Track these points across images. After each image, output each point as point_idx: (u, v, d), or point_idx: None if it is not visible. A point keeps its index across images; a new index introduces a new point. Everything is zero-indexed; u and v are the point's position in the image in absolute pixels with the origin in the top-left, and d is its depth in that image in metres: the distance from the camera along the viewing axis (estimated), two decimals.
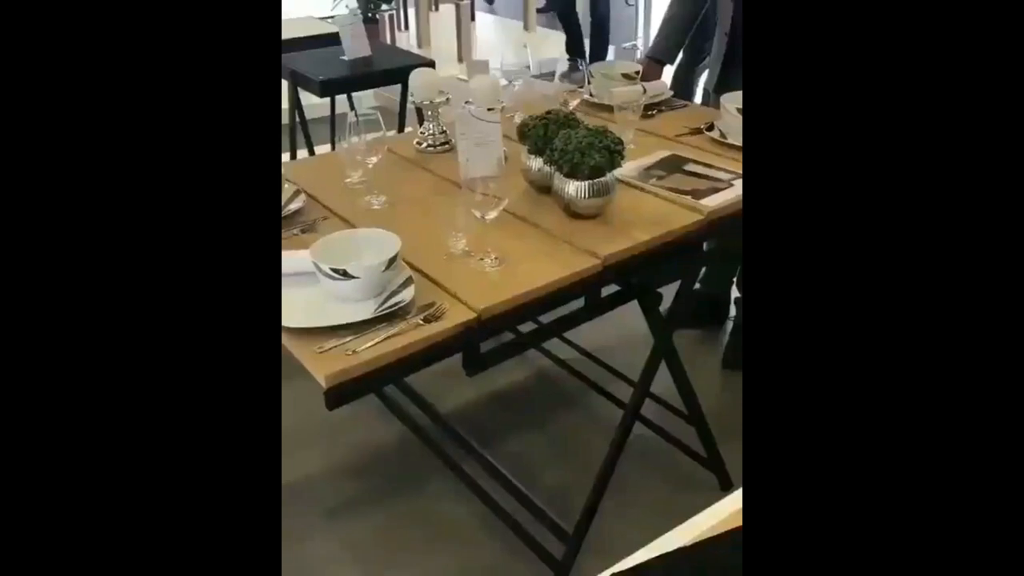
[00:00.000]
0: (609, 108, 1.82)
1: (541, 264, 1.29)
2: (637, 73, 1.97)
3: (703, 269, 2.31)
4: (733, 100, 1.72)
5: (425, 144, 1.76)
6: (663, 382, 1.64)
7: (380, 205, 1.53)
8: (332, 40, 2.74)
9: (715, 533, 0.79)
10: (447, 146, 1.75)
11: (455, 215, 1.35)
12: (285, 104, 2.56)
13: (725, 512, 0.85)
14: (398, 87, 2.67)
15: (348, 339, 1.12)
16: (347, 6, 4.03)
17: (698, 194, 1.45)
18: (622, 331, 1.55)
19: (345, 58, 2.60)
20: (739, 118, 1.69)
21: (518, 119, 1.86)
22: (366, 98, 3.94)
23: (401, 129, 2.89)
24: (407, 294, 1.20)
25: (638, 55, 4.46)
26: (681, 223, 1.40)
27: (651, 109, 1.90)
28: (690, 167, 1.59)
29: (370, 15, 3.86)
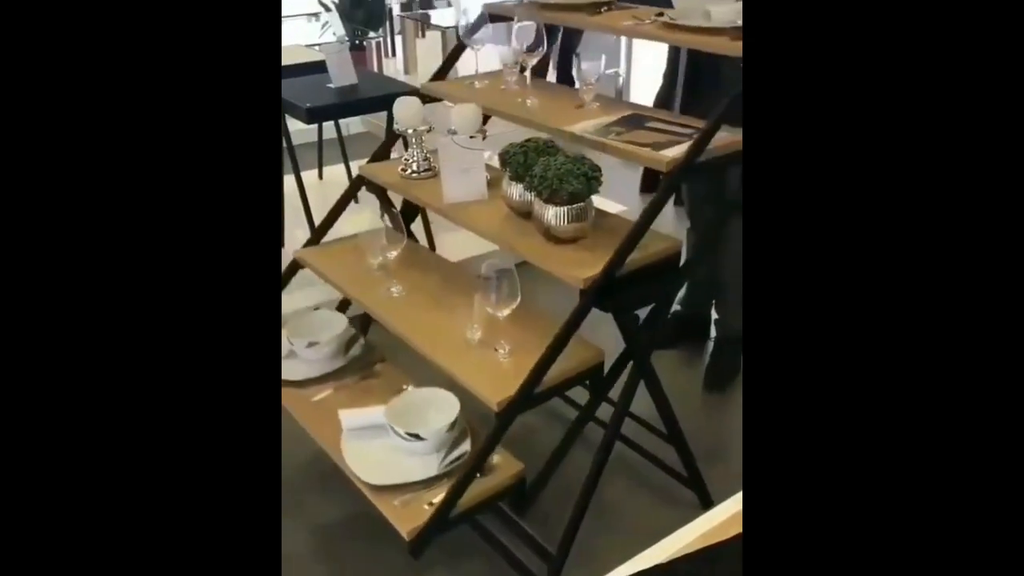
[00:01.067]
0: (561, 7, 1.79)
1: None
2: None
3: (683, 289, 2.36)
4: None
5: (409, 171, 1.80)
6: (646, 402, 1.68)
7: (399, 294, 1.65)
8: (319, 68, 2.78)
9: (693, 550, 0.82)
10: (430, 172, 1.78)
11: (470, 307, 1.47)
12: None
13: (703, 529, 0.87)
14: (384, 113, 2.70)
15: (420, 492, 1.38)
16: (334, 33, 4.09)
17: (658, 146, 1.43)
18: (610, 355, 1.58)
19: (331, 86, 2.64)
20: None
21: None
22: (353, 124, 3.98)
23: (387, 155, 2.93)
24: (466, 446, 1.43)
25: (620, 82, 4.53)
26: (658, 247, 1.45)
27: (601, 7, 1.82)
28: (651, 124, 1.57)
29: (357, 42, 3.91)
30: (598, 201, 1.49)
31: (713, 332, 2.39)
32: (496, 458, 1.42)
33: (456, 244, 2.53)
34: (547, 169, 1.40)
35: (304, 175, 2.81)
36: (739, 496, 0.92)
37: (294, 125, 2.60)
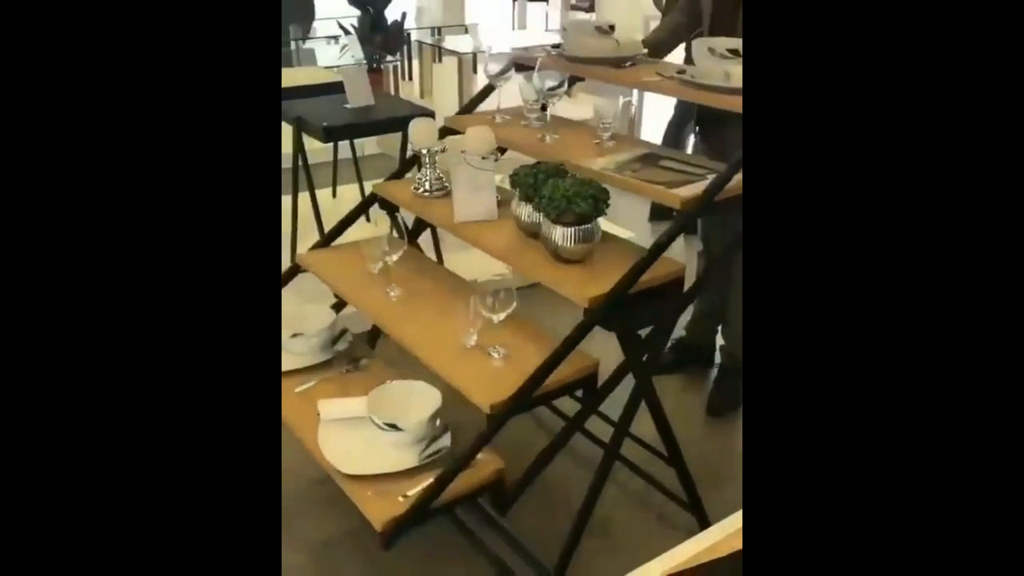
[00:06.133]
0: (588, 61, 1.85)
1: (544, 358, 1.37)
2: (611, 27, 1.95)
3: (690, 317, 2.37)
4: (706, 43, 1.69)
5: (422, 189, 1.83)
6: (647, 424, 1.69)
7: (396, 297, 1.67)
8: (338, 88, 2.84)
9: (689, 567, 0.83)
10: (443, 191, 1.82)
11: (467, 312, 1.48)
12: (289, 148, 2.64)
13: (701, 547, 0.89)
14: (399, 134, 2.75)
15: (395, 483, 1.33)
16: (353, 56, 4.16)
17: (671, 184, 1.45)
18: (604, 373, 1.59)
19: (348, 106, 2.69)
20: (711, 58, 1.66)
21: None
22: (368, 146, 4.04)
23: (401, 175, 2.97)
24: (446, 440, 1.39)
25: (632, 111, 4.58)
26: (664, 269, 1.47)
27: (625, 62, 1.88)
28: (665, 163, 1.60)
29: (375, 65, 3.98)
30: (607, 226, 1.52)
31: (717, 359, 2.41)
32: (480, 455, 1.37)
33: (464, 264, 2.56)
34: (556, 190, 1.43)
35: (319, 193, 2.85)
36: (736, 515, 0.94)
37: (311, 144, 2.64)
